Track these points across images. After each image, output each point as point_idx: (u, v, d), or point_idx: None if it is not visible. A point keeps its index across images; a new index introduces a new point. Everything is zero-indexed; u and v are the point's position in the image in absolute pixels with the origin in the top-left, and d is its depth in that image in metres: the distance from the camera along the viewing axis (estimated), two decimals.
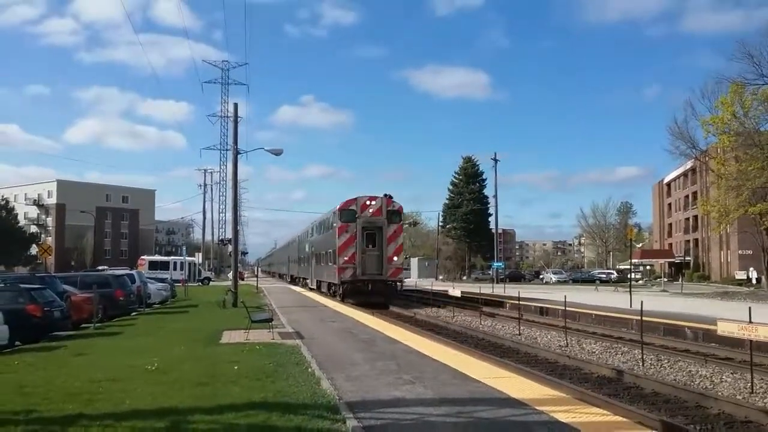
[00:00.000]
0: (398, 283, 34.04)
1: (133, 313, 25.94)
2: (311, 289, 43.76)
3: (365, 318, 22.11)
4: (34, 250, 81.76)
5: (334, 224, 33.11)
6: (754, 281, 58.21)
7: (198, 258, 66.98)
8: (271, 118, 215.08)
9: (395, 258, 32.66)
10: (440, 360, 12.39)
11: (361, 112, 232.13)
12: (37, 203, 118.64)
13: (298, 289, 49.31)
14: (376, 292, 32.07)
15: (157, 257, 72.65)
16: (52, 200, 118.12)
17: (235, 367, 11.33)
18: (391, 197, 33.23)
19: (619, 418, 7.84)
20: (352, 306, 28.71)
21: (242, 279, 55.26)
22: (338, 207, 33.05)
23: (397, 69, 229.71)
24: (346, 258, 31.64)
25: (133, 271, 34.33)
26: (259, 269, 73.43)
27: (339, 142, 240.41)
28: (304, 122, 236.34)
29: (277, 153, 30.48)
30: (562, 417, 7.70)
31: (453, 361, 12.26)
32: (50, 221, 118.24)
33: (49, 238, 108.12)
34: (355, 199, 32.75)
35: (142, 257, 66.40)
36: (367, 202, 32.33)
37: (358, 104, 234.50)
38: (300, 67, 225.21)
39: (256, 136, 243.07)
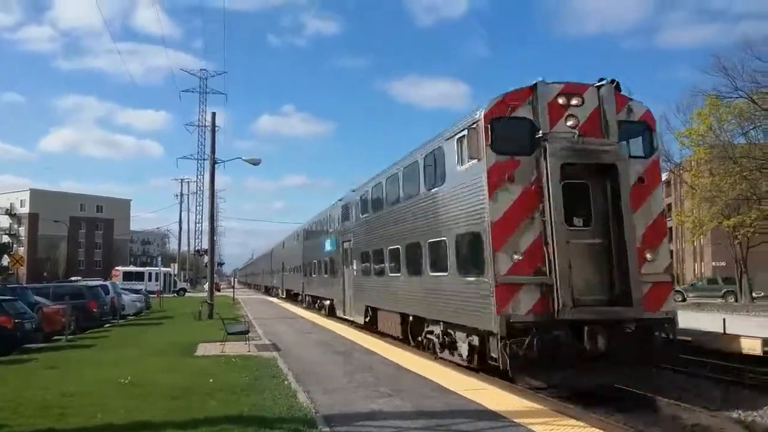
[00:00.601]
0: (666, 326, 11.79)
1: (107, 325, 25.56)
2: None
3: (344, 330, 21.96)
4: (5, 260, 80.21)
5: (471, 161, 12.32)
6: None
7: (173, 269, 66.15)
8: (252, 128, 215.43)
9: (651, 253, 11.85)
10: (418, 372, 12.34)
11: (342, 123, 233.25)
12: (10, 213, 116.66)
13: (276, 300, 48.92)
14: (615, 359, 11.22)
15: (132, 268, 71.74)
16: (25, 209, 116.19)
17: (211, 380, 11.18)
18: (618, 86, 12.40)
19: (596, 430, 7.86)
20: (330, 318, 28.13)
21: (218, 290, 54.70)
22: (482, 112, 11.89)
23: (379, 80, 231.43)
24: (516, 255, 11.27)
25: (107, 282, 33.79)
26: (236, 280, 72.79)
27: (319, 153, 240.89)
28: (284, 132, 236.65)
29: (255, 163, 30.29)
30: (540, 429, 7.71)
31: (431, 373, 12.22)
32: (23, 231, 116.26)
33: (22, 248, 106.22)
34: (529, 88, 12.02)
35: (117, 268, 65.49)
36: (566, 100, 12.01)
37: (339, 115, 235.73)
38: (281, 76, 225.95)
39: (235, 146, 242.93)
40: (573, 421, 8.29)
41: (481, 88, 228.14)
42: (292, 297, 45.50)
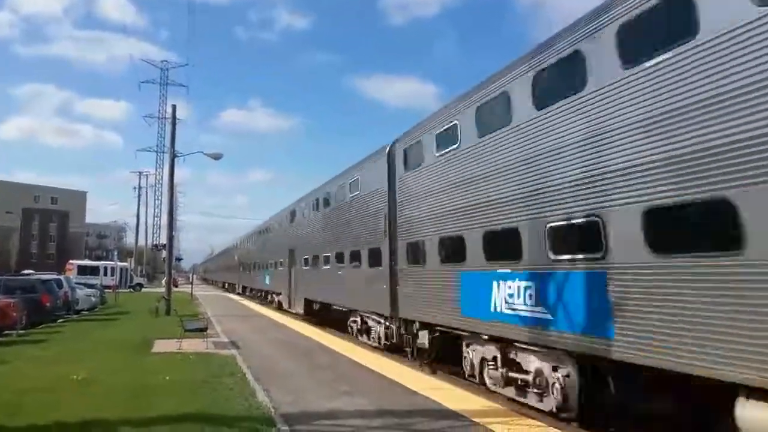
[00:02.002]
0: None
1: (60, 320, 24.92)
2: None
3: (304, 328, 21.85)
4: None
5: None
6: None
7: (130, 263, 64.86)
8: (216, 122, 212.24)
9: None
10: (378, 371, 12.34)
11: (309, 119, 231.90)
12: None
13: (236, 297, 48.43)
14: None
15: (87, 262, 70.03)
16: None
17: (167, 378, 11.00)
18: None
19: (554, 430, 7.96)
20: (289, 316, 28.05)
21: (176, 286, 53.90)
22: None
23: (348, 76, 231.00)
24: None
25: (61, 276, 32.94)
26: (195, 276, 71.77)
27: (285, 148, 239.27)
28: (250, 126, 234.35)
29: (217, 157, 29.89)
30: (499, 429, 7.78)
31: (391, 371, 12.24)
32: None
33: None
34: None
35: (71, 261, 63.93)
36: None
37: (306, 110, 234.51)
38: (248, 71, 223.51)
39: (200, 140, 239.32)
40: (531, 421, 8.38)
41: (449, 88, 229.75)
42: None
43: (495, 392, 10.52)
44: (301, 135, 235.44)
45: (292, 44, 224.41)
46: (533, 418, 8.59)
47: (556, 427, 8.09)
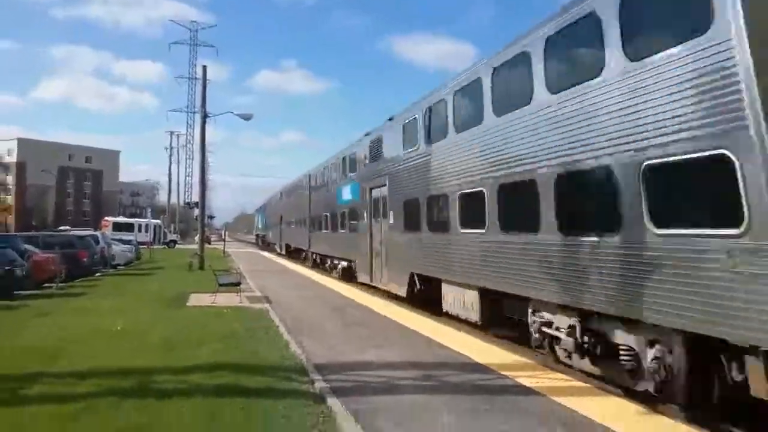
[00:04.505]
0: None
1: (98, 274, 25.63)
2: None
3: (337, 285, 21.99)
4: None
5: None
6: None
7: (163, 220, 65.98)
8: (250, 83, 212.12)
9: None
10: (410, 327, 12.45)
11: (343, 81, 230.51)
12: None
13: (266, 254, 48.98)
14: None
15: (122, 219, 71.36)
16: (12, 158, 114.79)
17: (202, 330, 11.27)
18: None
19: (581, 384, 7.99)
20: (324, 273, 27.97)
21: (209, 243, 54.70)
22: None
23: (382, 38, 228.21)
24: None
25: (97, 233, 33.72)
26: (226, 233, 72.41)
27: (319, 110, 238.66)
28: (285, 88, 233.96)
29: (247, 118, 30.00)
30: (526, 382, 7.83)
31: (422, 327, 12.33)
32: (10, 180, 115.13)
33: (9, 197, 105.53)
34: None
35: (106, 218, 65.16)
36: None
37: (341, 73, 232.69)
38: (283, 33, 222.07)
39: (234, 101, 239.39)
40: (558, 375, 8.41)
41: (486, 49, 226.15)
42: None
43: (520, 348, 10.53)
44: (334, 97, 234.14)
45: (327, 5, 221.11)
46: (560, 372, 8.62)
47: (582, 381, 8.12)
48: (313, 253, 32.38)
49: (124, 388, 7.15)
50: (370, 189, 19.79)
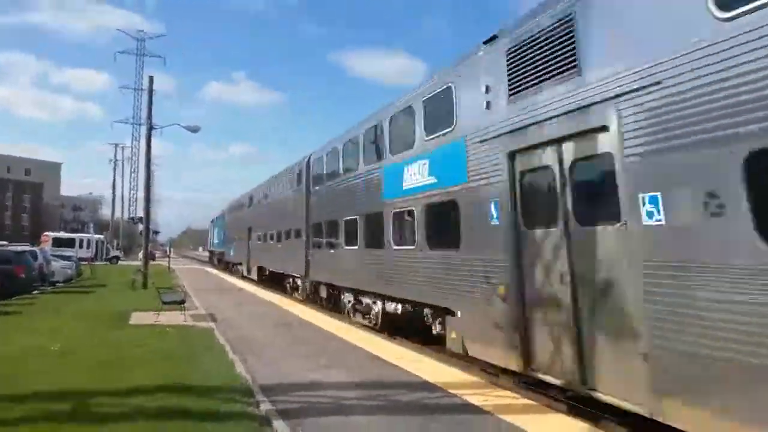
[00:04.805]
0: None
1: (35, 292, 24.69)
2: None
3: (283, 302, 21.84)
4: None
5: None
6: None
7: (106, 236, 64.30)
8: (199, 95, 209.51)
9: None
10: (357, 344, 12.41)
11: (293, 94, 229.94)
12: None
13: (214, 271, 48.22)
14: None
15: (62, 234, 69.16)
16: None
17: (144, 350, 10.98)
18: None
19: (528, 401, 8.09)
20: (268, 289, 28.00)
21: (153, 259, 53.50)
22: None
23: (333, 51, 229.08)
24: None
25: (36, 248, 32.56)
26: (171, 250, 71.01)
27: (268, 123, 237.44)
28: (232, 100, 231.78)
29: (194, 130, 29.56)
30: (474, 400, 7.89)
31: (369, 344, 12.31)
32: None
33: None
34: None
35: (46, 233, 63.06)
36: None
37: (292, 85, 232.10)
38: (232, 43, 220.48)
39: (181, 114, 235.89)
40: (505, 392, 8.51)
41: (437, 65, 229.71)
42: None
43: (468, 366, 10.69)
44: (283, 110, 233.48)
45: (280, 15, 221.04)
46: (508, 389, 8.71)
47: (528, 398, 8.22)
48: (317, 283, 20.78)
49: (63, 411, 6.91)
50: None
